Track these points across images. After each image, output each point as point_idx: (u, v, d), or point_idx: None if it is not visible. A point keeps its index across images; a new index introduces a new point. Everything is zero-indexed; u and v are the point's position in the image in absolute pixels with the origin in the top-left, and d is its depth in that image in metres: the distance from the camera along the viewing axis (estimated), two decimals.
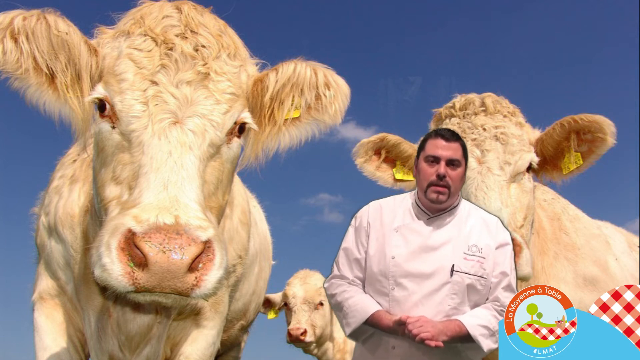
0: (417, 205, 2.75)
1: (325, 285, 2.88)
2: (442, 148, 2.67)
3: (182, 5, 2.33)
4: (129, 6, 2.37)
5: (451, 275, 2.58)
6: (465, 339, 2.52)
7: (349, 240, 2.82)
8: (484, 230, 2.73)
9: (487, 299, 2.66)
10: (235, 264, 3.38)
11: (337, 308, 2.76)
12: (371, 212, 2.81)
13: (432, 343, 2.41)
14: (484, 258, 2.64)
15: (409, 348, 2.56)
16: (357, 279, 2.75)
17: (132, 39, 2.20)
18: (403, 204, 2.80)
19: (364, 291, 2.73)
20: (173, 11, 2.30)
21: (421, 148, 2.76)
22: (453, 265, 2.59)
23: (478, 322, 2.55)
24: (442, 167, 2.63)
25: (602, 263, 3.86)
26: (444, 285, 2.58)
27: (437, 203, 2.66)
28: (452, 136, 2.72)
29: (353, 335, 2.70)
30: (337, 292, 2.74)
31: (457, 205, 2.75)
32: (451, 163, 2.65)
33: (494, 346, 2.55)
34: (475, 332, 2.52)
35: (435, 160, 2.66)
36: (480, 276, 2.62)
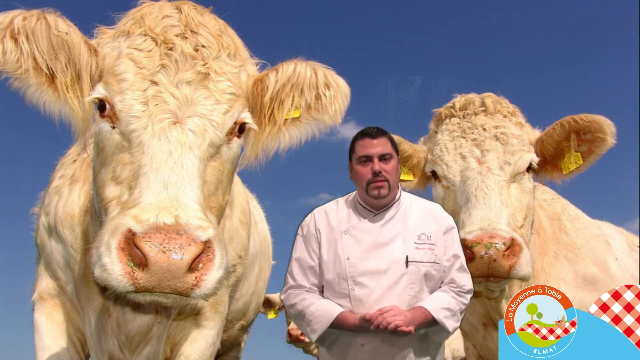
0: (361, 204, 2.80)
1: (282, 297, 2.88)
2: (371, 146, 2.74)
3: (182, 5, 2.33)
4: (129, 6, 2.37)
5: (407, 266, 2.65)
6: (431, 323, 2.61)
7: (299, 250, 2.84)
8: (429, 218, 2.80)
9: (442, 282, 2.74)
10: (235, 264, 3.38)
11: (299, 317, 2.77)
12: (317, 219, 2.85)
13: (407, 329, 2.48)
14: (434, 244, 2.72)
15: (378, 343, 2.60)
16: (313, 286, 2.78)
17: (132, 39, 2.20)
18: (346, 206, 2.86)
19: (323, 297, 2.76)
20: (173, 11, 2.30)
21: (352, 151, 2.82)
22: (407, 257, 2.66)
23: (440, 305, 2.63)
24: (375, 164, 2.71)
25: (602, 263, 3.86)
26: (402, 277, 2.64)
27: (380, 198, 2.72)
28: (378, 132, 2.78)
29: (319, 341, 2.73)
30: (297, 301, 2.76)
31: (399, 199, 2.82)
32: (383, 158, 2.73)
33: (457, 325, 2.69)
34: (439, 315, 2.60)
35: (367, 159, 2.74)
36: (433, 262, 2.69)
